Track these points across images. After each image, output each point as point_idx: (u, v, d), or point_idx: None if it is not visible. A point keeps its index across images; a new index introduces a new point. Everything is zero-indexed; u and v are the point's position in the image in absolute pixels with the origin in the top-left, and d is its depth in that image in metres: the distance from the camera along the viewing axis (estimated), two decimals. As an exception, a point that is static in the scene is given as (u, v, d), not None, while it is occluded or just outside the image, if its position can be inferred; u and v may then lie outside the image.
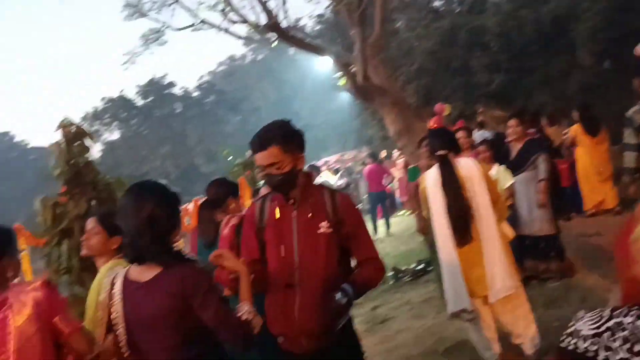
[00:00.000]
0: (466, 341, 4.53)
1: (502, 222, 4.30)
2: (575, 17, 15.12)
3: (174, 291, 2.07)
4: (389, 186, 13.28)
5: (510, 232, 4.41)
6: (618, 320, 1.07)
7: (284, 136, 2.44)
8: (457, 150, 4.16)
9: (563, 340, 1.17)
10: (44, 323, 2.29)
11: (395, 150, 14.87)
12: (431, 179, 4.06)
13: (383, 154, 17.50)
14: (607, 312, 1.10)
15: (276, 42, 11.88)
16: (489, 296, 3.84)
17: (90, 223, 3.02)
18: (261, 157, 2.43)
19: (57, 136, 4.03)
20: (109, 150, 37.52)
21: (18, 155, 46.89)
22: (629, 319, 1.05)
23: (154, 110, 38.43)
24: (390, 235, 12.26)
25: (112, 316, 2.20)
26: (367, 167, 13.03)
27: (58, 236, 3.74)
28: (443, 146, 4.03)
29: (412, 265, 8.00)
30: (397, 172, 13.94)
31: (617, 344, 1.06)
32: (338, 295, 2.34)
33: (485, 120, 12.61)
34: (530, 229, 5.65)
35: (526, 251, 5.70)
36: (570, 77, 15.73)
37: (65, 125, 4.00)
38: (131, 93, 38.49)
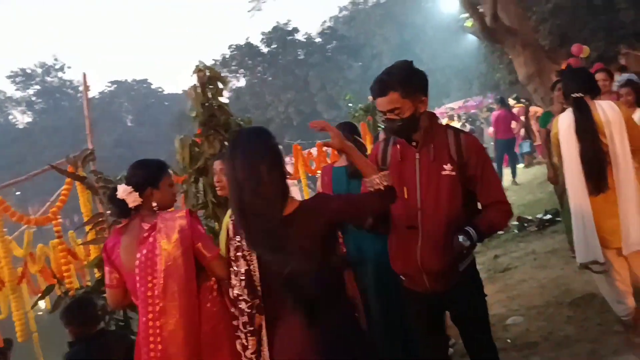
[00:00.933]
0: (594, 294, 4.34)
1: None
2: None
3: (320, 213, 2.16)
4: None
5: None
6: None
7: (404, 81, 2.38)
8: (595, 92, 3.85)
9: None
10: (188, 247, 2.53)
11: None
12: (565, 123, 3.79)
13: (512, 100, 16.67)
14: None
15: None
16: (622, 249, 3.62)
17: (219, 164, 3.19)
18: (381, 103, 2.42)
19: (191, 82, 4.28)
20: (236, 97, 39.16)
21: (155, 102, 50.52)
22: None
23: (278, 57, 39.28)
24: (516, 184, 11.78)
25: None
26: (495, 113, 12.43)
27: (195, 174, 4.03)
28: (579, 88, 3.73)
29: (539, 215, 7.69)
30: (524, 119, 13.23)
31: None
32: (461, 237, 2.34)
33: (629, 62, 11.53)
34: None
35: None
36: None
37: (200, 70, 4.23)
38: (256, 40, 39.59)
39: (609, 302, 3.88)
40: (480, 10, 10.40)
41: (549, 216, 7.46)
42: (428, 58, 32.69)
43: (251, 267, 2.17)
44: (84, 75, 4.77)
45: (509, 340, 4.11)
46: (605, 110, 3.67)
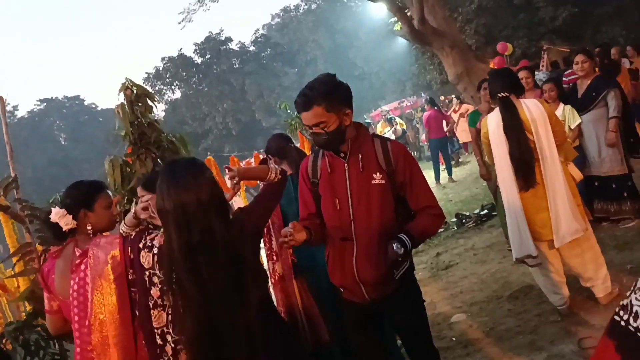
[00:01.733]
0: (532, 286, 4.48)
1: (569, 165, 4.16)
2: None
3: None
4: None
5: (577, 175, 4.25)
6: None
7: (328, 95, 2.37)
8: (519, 91, 3.99)
9: (618, 312, 1.06)
10: (120, 275, 2.43)
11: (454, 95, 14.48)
12: (493, 122, 3.93)
13: (443, 99, 17.10)
14: None
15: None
16: (554, 241, 3.75)
17: (141, 191, 3.00)
18: (306, 118, 2.41)
19: (121, 98, 4.14)
20: (172, 109, 38.40)
21: (88, 119, 48.84)
22: None
23: (212, 67, 38.81)
24: (453, 181, 12.10)
25: None
26: (426, 114, 12.79)
27: (128, 195, 3.90)
28: (504, 88, 3.87)
29: (476, 211, 7.92)
30: (456, 116, 13.61)
31: None
32: (395, 245, 2.34)
33: (551, 57, 12.03)
34: (599, 169, 5.43)
35: (596, 192, 5.50)
36: (644, 6, 14.69)
37: (127, 87, 4.09)
38: (190, 51, 38.99)
39: (545, 293, 4.02)
40: (408, 13, 10.61)
41: (485, 211, 7.69)
42: (362, 62, 33.14)
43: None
44: (1, 98, 4.53)
45: (454, 339, 4.18)
46: (530, 108, 3.81)
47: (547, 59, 11.64)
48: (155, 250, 2.31)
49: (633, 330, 0.99)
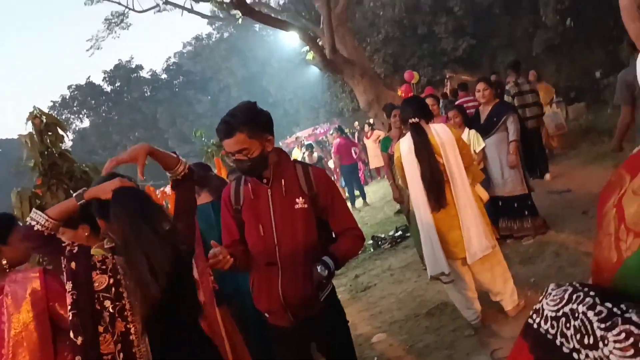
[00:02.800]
0: (447, 303, 4.68)
1: (477, 186, 4.42)
2: (538, -24, 15.26)
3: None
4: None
5: (484, 195, 4.52)
6: (574, 306, 1.00)
7: (249, 122, 2.39)
8: (428, 117, 4.21)
9: (531, 316, 1.14)
10: (41, 310, 2.32)
11: (367, 121, 14.92)
12: (405, 147, 4.12)
13: (356, 125, 17.54)
14: (568, 293, 1.04)
15: (241, 19, 11.74)
16: (467, 258, 3.96)
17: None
18: (228, 144, 2.42)
19: (28, 127, 3.97)
20: (80, 139, 36.85)
21: (-14, 149, 45.75)
22: (582, 308, 0.98)
23: (122, 95, 37.75)
24: (367, 204, 12.42)
25: None
26: (335, 142, 13.15)
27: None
28: (415, 114, 4.08)
29: (391, 233, 8.16)
30: (369, 142, 14.04)
31: (570, 332, 1.00)
32: (319, 268, 2.39)
33: (454, 85, 12.73)
34: (503, 190, 5.79)
35: (500, 211, 5.85)
36: (534, 37, 15.91)
37: (35, 116, 3.93)
38: (98, 79, 37.81)
39: (460, 309, 4.21)
40: (320, 43, 10.90)
41: (400, 232, 7.94)
42: (275, 89, 33.41)
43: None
44: None
45: (375, 358, 4.27)
46: (439, 132, 4.03)
47: (449, 86, 12.30)
48: (110, 272, 2.23)
49: (544, 332, 1.07)
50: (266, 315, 2.65)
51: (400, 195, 6.07)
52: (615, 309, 0.91)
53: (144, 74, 38.86)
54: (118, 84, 37.96)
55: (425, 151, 3.98)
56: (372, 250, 7.85)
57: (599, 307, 0.95)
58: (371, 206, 12.17)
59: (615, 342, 0.88)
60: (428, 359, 3.94)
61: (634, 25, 0.94)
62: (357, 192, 12.80)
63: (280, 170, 2.55)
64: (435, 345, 4.10)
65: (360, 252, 7.57)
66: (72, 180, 3.83)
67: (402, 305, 5.20)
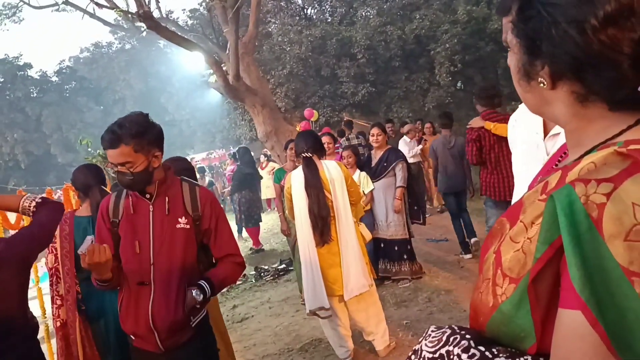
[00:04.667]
0: (321, 339, 4.71)
1: (361, 225, 4.54)
2: (436, 38, 16.32)
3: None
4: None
5: (367, 235, 4.65)
6: (450, 348, 1.02)
7: (137, 135, 2.28)
8: (322, 153, 4.31)
9: (410, 357, 1.14)
10: None
11: (264, 152, 14.95)
12: (296, 179, 4.16)
13: (253, 154, 17.46)
14: (446, 335, 1.06)
15: (146, 32, 11.42)
16: (344, 294, 4.02)
17: None
18: (112, 155, 2.30)
19: None
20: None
21: None
22: (457, 350, 1.00)
23: (5, 92, 35.01)
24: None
25: None
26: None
27: None
28: (309, 148, 4.15)
29: (274, 265, 8.12)
30: (264, 173, 14.05)
31: None
32: (194, 292, 2.31)
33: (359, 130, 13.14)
34: (386, 232, 5.99)
35: (381, 253, 6.05)
36: (427, 94, 16.92)
37: None
38: (-22, 70, 34.85)
39: (333, 345, 4.25)
40: (224, 68, 10.84)
41: (283, 265, 7.93)
42: (173, 108, 32.66)
43: None
44: None
45: (244, 391, 4.18)
46: (330, 169, 4.13)
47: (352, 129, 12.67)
48: None
49: None
50: (132, 337, 2.48)
51: (288, 227, 6.09)
52: (487, 353, 0.93)
53: (32, 73, 36.46)
54: (1, 79, 35.25)
55: (314, 185, 4.05)
56: (253, 281, 7.75)
57: (472, 350, 0.97)
58: (261, 235, 12.07)
59: None
60: (296, 394, 3.91)
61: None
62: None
63: (165, 187, 2.45)
64: (305, 382, 4.09)
65: (239, 280, 7.49)
66: None
67: (277, 339, 5.15)
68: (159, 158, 2.40)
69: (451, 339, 1.03)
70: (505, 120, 4.79)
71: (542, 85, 0.89)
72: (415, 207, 6.28)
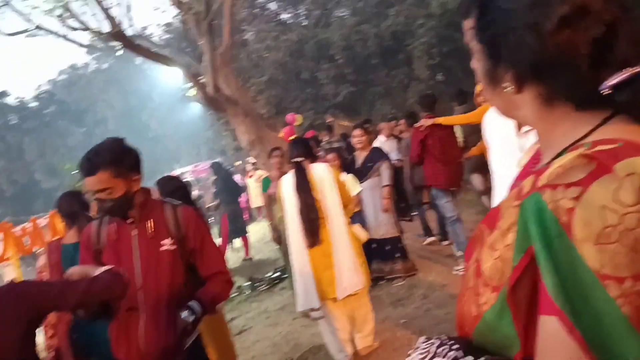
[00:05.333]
0: (320, 346, 4.69)
1: (356, 226, 4.56)
2: (412, 33, 16.37)
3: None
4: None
5: (363, 235, 4.67)
6: (441, 355, 1.01)
7: (114, 160, 2.27)
8: (312, 157, 4.42)
9: None
10: None
11: (249, 160, 14.92)
12: (287, 184, 4.25)
13: (239, 164, 17.44)
14: (435, 347, 1.05)
15: (122, 51, 11.36)
16: (337, 294, 4.04)
17: None
18: (90, 183, 2.27)
19: None
20: None
21: None
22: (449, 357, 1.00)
23: (-18, 122, 34.75)
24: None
25: None
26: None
27: None
28: (299, 154, 4.26)
29: (268, 274, 8.09)
30: (251, 181, 14.02)
31: None
32: (185, 314, 2.30)
33: (335, 129, 13.13)
34: (376, 232, 5.98)
35: (373, 254, 6.03)
36: (408, 89, 16.96)
37: None
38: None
39: (331, 351, 4.24)
40: (202, 80, 10.80)
41: (278, 274, 7.89)
42: (156, 124, 32.54)
43: None
44: None
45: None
46: (319, 171, 4.24)
47: (336, 131, 12.67)
48: None
49: None
50: None
51: (278, 235, 6.06)
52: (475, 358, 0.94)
53: (10, 100, 36.17)
54: (-22, 110, 34.97)
55: (304, 188, 4.14)
56: (249, 291, 7.72)
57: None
58: (250, 246, 12.03)
59: None
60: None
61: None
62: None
63: (147, 210, 2.44)
64: (306, 391, 4.07)
65: (233, 295, 7.46)
66: None
67: (276, 349, 5.12)
68: (137, 182, 2.38)
69: (439, 350, 1.02)
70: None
71: (508, 89, 0.89)
72: (403, 205, 6.30)
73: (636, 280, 0.68)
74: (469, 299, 0.96)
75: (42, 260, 3.56)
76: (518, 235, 0.80)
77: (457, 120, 6.07)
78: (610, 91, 0.80)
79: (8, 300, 2.00)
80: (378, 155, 6.10)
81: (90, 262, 2.45)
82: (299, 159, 4.23)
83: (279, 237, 6.04)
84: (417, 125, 5.95)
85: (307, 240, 4.08)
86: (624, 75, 0.79)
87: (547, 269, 0.73)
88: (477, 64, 0.96)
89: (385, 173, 5.95)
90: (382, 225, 5.99)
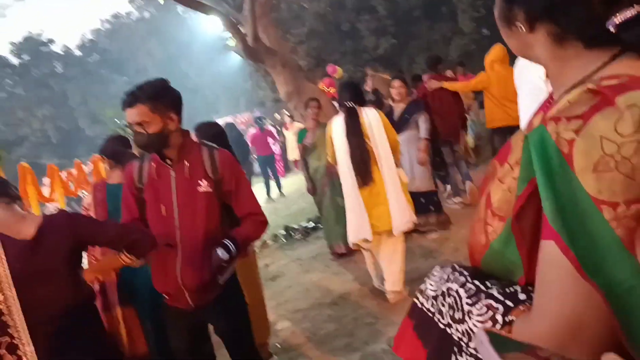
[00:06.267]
0: (350, 292, 4.83)
1: (399, 169, 4.67)
2: (456, -16, 15.86)
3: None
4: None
5: (404, 178, 4.75)
6: (450, 285, 1.08)
7: (154, 95, 2.37)
8: (362, 102, 4.56)
9: (417, 296, 1.21)
10: None
11: (285, 112, 14.96)
12: (337, 127, 4.43)
13: (279, 115, 17.49)
14: (447, 273, 1.12)
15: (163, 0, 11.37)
16: (393, 230, 4.32)
17: None
18: (129, 114, 2.38)
19: None
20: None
21: None
22: (455, 286, 1.06)
23: (30, 70, 35.49)
24: (283, 195, 12.47)
25: None
26: (251, 133, 13.22)
27: None
28: (350, 97, 4.42)
29: (303, 224, 8.23)
30: (288, 134, 14.09)
31: (445, 309, 1.07)
32: (219, 251, 2.42)
33: (375, 83, 12.99)
34: (411, 185, 5.98)
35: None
36: (451, 43, 16.54)
37: None
38: (4, 51, 35.33)
39: (371, 275, 4.66)
40: (242, 30, 10.76)
41: (312, 224, 8.03)
42: (195, 74, 32.69)
43: None
44: None
45: (278, 345, 4.31)
46: (369, 116, 4.39)
47: (370, 84, 12.54)
48: None
49: (426, 310, 1.15)
50: (164, 297, 2.61)
51: (313, 187, 6.15)
52: (481, 286, 1.00)
53: (56, 48, 36.81)
54: (27, 57, 35.69)
55: (355, 133, 4.33)
56: (284, 240, 7.89)
57: (468, 285, 1.04)
58: (286, 197, 12.23)
59: (477, 315, 0.97)
60: (328, 345, 4.03)
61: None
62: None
63: (184, 152, 2.52)
64: (335, 333, 4.20)
65: (269, 243, 7.64)
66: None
67: (308, 295, 5.27)
68: (175, 122, 2.46)
69: (451, 276, 1.10)
70: (447, 79, 7.17)
71: (521, 30, 0.93)
72: (438, 159, 6.28)
73: (629, 205, 0.72)
74: (479, 230, 1.02)
75: (87, 199, 3.72)
76: (522, 166, 0.85)
77: (457, 86, 6.95)
78: (617, 29, 0.82)
79: (60, 224, 2.25)
80: (416, 107, 6.04)
81: (131, 198, 2.59)
82: (349, 103, 4.39)
83: (314, 188, 6.14)
84: (428, 85, 6.83)
85: (359, 181, 4.32)
86: (632, 12, 0.80)
87: (547, 195, 0.78)
88: (495, 9, 0.99)
89: (423, 126, 5.91)
90: (417, 178, 5.98)
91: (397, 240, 4.44)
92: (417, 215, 6.06)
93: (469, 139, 9.77)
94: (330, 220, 6.01)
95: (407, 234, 5.62)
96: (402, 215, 4.32)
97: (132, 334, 3.36)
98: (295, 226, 8.25)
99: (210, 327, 2.77)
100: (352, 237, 4.42)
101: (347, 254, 5.90)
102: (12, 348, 1.89)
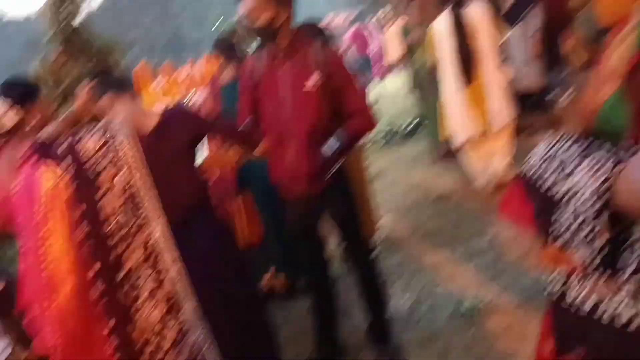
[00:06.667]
0: (452, 191, 4.90)
1: (504, 66, 4.61)
2: None
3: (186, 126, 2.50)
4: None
5: (509, 75, 4.72)
6: (558, 145, 1.15)
7: None
8: None
9: (526, 161, 1.29)
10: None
11: (384, 10, 14.36)
12: (441, 25, 4.40)
13: (380, 14, 16.86)
14: (556, 138, 1.19)
15: None
16: (492, 126, 4.41)
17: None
18: (243, 4, 2.44)
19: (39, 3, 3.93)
20: (87, 20, 35.85)
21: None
22: (564, 146, 1.13)
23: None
24: (384, 95, 12.31)
25: None
26: (352, 30, 12.89)
27: (61, 97, 3.79)
28: None
29: (405, 124, 8.18)
30: (391, 31, 13.62)
31: (550, 170, 1.15)
32: (328, 144, 2.52)
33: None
34: (520, 84, 5.71)
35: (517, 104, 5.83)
36: None
37: (48, -10, 3.88)
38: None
39: (479, 183, 4.71)
40: None
41: (414, 124, 7.96)
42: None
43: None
44: None
45: (381, 239, 4.48)
46: (474, 11, 4.32)
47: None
48: None
49: (532, 173, 1.23)
50: (280, 186, 2.76)
51: (419, 81, 6.12)
52: (590, 145, 1.08)
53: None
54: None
55: (459, 30, 4.31)
56: (385, 140, 7.92)
57: (576, 145, 1.12)
58: (388, 97, 12.07)
59: (587, 169, 1.04)
60: (431, 240, 4.13)
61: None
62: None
63: (296, 47, 2.57)
64: (438, 230, 4.29)
65: (372, 142, 7.70)
66: (92, 51, 3.84)
67: (409, 193, 5.35)
68: (285, 14, 2.49)
69: (559, 139, 1.19)
70: None
71: None
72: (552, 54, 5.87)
73: None
74: (594, 92, 1.10)
75: (202, 94, 3.91)
76: (638, 29, 0.91)
77: None
78: None
79: (176, 118, 2.42)
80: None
81: (247, 93, 2.70)
82: (454, 1, 4.34)
83: (420, 83, 6.05)
84: None
85: (462, 78, 4.35)
86: None
87: None
88: None
89: (536, 18, 5.54)
90: (527, 75, 5.68)
91: (500, 136, 4.47)
92: (526, 114, 5.85)
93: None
94: (433, 120, 5.92)
95: (515, 134, 5.46)
96: (501, 111, 4.39)
97: (251, 222, 3.59)
98: (397, 126, 8.22)
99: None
100: (456, 136, 4.46)
101: (449, 153, 5.84)
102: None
